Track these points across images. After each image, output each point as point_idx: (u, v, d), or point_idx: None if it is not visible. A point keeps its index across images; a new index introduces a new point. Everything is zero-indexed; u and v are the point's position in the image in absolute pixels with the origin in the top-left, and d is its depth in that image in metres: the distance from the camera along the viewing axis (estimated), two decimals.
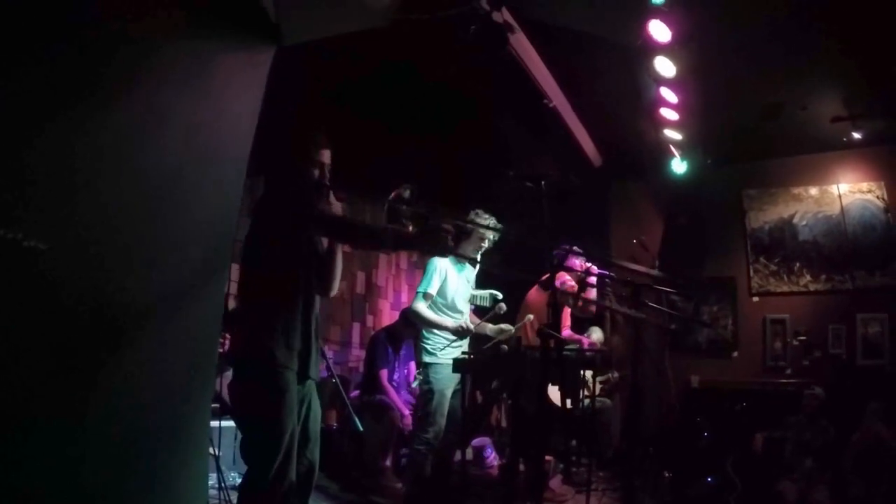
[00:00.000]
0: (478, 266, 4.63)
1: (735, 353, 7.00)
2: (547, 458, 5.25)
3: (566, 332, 5.30)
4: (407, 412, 5.54)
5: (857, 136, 6.24)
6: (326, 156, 2.86)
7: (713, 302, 7.16)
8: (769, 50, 4.91)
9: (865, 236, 6.63)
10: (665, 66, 4.97)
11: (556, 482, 5.19)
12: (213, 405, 4.12)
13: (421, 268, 7.96)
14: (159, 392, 2.71)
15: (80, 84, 2.39)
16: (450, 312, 4.45)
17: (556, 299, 4.52)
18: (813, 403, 5.28)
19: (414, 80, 4.94)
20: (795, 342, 6.70)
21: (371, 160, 4.79)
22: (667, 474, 5.45)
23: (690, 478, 5.27)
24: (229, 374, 4.33)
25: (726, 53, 4.93)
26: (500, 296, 4.65)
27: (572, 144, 6.34)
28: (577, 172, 6.43)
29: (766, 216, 7.05)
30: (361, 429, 3.77)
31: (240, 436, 2.86)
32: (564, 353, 4.33)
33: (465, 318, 4.51)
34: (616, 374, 6.14)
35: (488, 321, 4.49)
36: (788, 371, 6.67)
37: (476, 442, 5.86)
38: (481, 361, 4.08)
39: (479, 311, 4.76)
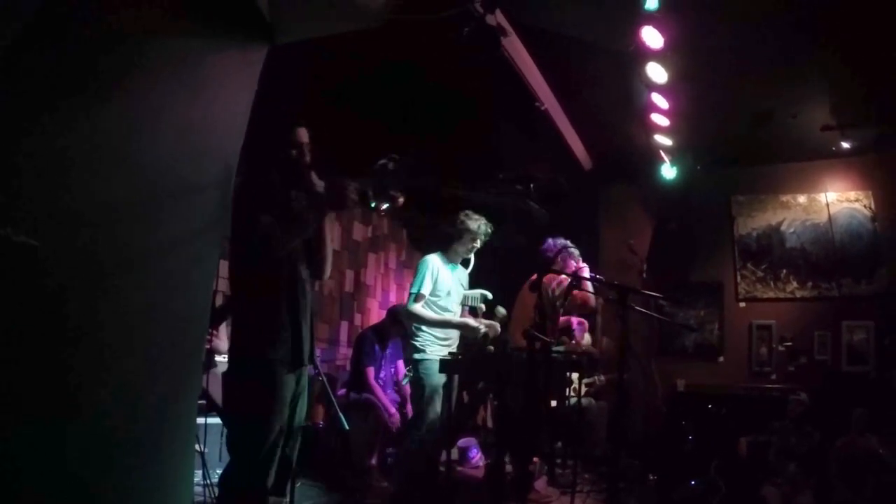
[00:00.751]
0: (471, 266, 4.63)
1: (721, 358, 7.08)
2: (533, 458, 5.27)
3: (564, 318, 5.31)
4: (393, 410, 5.55)
5: (845, 145, 6.32)
6: (303, 134, 2.83)
7: (700, 307, 7.23)
8: (760, 58, 4.96)
9: (852, 245, 6.72)
10: (657, 72, 5.00)
11: (541, 483, 5.20)
12: (200, 402, 4.13)
13: (410, 267, 8.00)
14: (146, 388, 2.70)
15: (72, 81, 2.38)
16: (441, 313, 4.44)
17: (544, 301, 4.57)
18: (798, 409, 5.32)
19: (410, 80, 4.94)
20: (781, 348, 6.77)
21: (367, 158, 4.78)
22: (652, 477, 5.47)
23: (675, 481, 5.30)
24: (215, 370, 4.37)
25: (718, 61, 4.98)
26: (490, 295, 4.66)
27: (563, 148, 6.37)
28: (567, 176, 6.47)
29: (754, 223, 7.12)
30: (347, 427, 3.76)
31: (226, 432, 2.86)
32: (552, 354, 4.39)
33: (457, 310, 4.51)
34: (603, 378, 6.17)
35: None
36: (774, 376, 6.75)
37: (462, 442, 5.88)
38: (468, 362, 4.09)
39: (472, 312, 4.76)
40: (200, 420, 4.09)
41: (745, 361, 6.94)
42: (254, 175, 2.91)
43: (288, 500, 3.14)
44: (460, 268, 4.61)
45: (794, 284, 6.88)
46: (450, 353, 4.12)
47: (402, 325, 5.70)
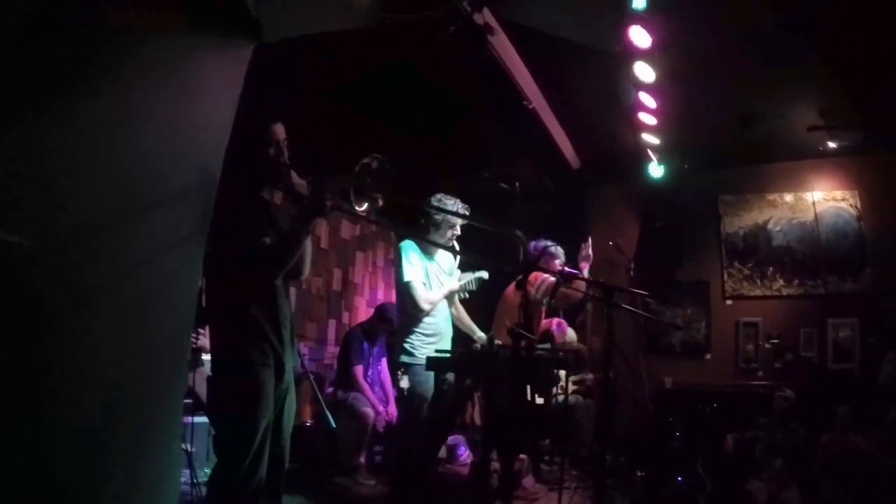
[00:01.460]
0: (457, 259, 4.44)
1: (708, 356, 7.12)
2: (520, 456, 5.29)
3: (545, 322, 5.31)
4: (381, 408, 5.55)
5: (832, 145, 6.37)
6: (280, 131, 2.75)
7: (687, 305, 7.26)
8: (748, 59, 4.99)
9: (838, 243, 6.77)
10: (644, 72, 5.02)
11: (528, 481, 5.22)
12: (187, 401, 4.12)
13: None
14: (131, 387, 2.69)
15: (57, 79, 2.37)
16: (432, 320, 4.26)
17: (529, 300, 4.57)
18: (783, 405, 5.36)
19: (399, 78, 4.94)
20: (767, 345, 6.82)
21: (353, 155, 4.76)
22: (639, 474, 5.50)
23: (662, 477, 5.33)
24: (203, 369, 4.36)
25: (706, 61, 5.01)
26: (486, 275, 4.39)
27: (551, 146, 6.38)
28: (555, 174, 6.49)
29: (741, 221, 7.17)
30: (334, 426, 3.76)
31: (213, 432, 2.85)
32: (538, 352, 4.39)
33: (445, 306, 4.37)
34: (591, 377, 6.20)
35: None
36: (760, 373, 6.79)
37: (450, 440, 5.88)
38: (454, 359, 4.08)
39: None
40: (187, 419, 4.08)
41: (731, 359, 6.98)
42: (233, 175, 2.87)
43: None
44: (442, 256, 4.38)
45: (781, 282, 6.93)
46: (437, 351, 4.08)
47: (389, 324, 5.69)
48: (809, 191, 6.93)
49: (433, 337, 4.22)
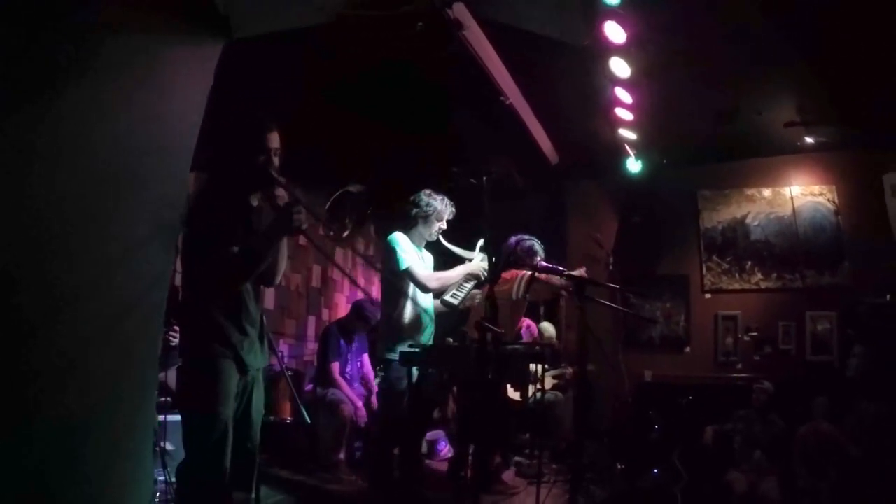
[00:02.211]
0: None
1: (687, 349, 7.16)
2: (497, 450, 5.31)
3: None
4: (360, 404, 5.55)
5: (809, 141, 6.43)
6: (274, 139, 2.74)
7: (666, 298, 7.29)
8: (725, 55, 5.00)
9: (816, 237, 6.83)
10: (620, 67, 5.03)
11: (509, 475, 5.25)
12: (165, 399, 4.12)
13: (378, 262, 7.99)
14: (103, 384, 2.69)
15: (24, 77, 2.37)
16: (417, 299, 4.24)
17: (512, 299, 4.59)
18: (762, 398, 5.41)
19: (375, 74, 4.93)
20: (746, 338, 6.87)
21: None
22: (619, 466, 5.54)
23: (641, 470, 5.37)
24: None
25: (682, 57, 5.00)
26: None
27: (529, 142, 6.39)
28: (534, 170, 6.51)
29: (719, 216, 7.21)
30: (309, 421, 3.77)
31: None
32: (514, 347, 4.40)
33: (430, 302, 4.37)
34: (570, 371, 6.23)
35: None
36: (739, 366, 6.84)
37: (430, 435, 5.90)
38: (429, 354, 4.08)
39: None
40: (164, 417, 4.08)
41: (711, 352, 7.03)
42: (218, 176, 2.84)
43: (254, 496, 3.15)
44: (426, 252, 4.45)
45: (759, 276, 6.98)
46: (410, 345, 4.08)
47: (366, 321, 5.71)
48: (787, 186, 6.98)
49: (415, 331, 4.24)
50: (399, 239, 4.20)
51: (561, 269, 4.32)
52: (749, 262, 7.02)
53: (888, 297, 5.61)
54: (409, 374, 3.98)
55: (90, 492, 2.62)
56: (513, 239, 4.96)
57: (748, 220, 7.09)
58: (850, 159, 6.69)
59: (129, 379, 2.86)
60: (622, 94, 5.46)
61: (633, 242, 7.28)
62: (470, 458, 4.48)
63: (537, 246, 4.93)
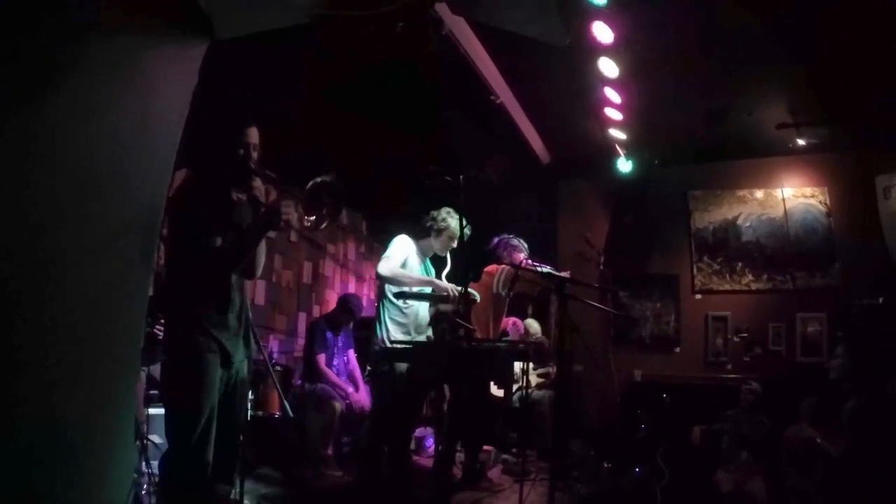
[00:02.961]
0: (447, 269, 4.47)
1: (677, 349, 7.17)
2: (486, 448, 5.34)
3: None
4: (350, 389, 5.59)
5: (801, 142, 6.44)
6: (253, 135, 2.79)
7: (657, 298, 7.30)
8: (715, 56, 5.01)
9: (807, 239, 6.84)
10: (608, 67, 5.05)
11: (495, 472, 5.28)
12: (153, 391, 4.15)
13: (369, 259, 8.04)
14: (84, 377, 2.72)
15: (8, 78, 2.40)
16: (407, 307, 4.29)
17: (493, 293, 4.62)
18: (749, 398, 5.41)
19: (364, 73, 4.94)
20: (736, 339, 6.87)
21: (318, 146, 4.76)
22: (606, 465, 5.57)
23: (627, 468, 5.40)
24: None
25: (671, 57, 5.02)
26: (478, 297, 4.40)
27: (520, 142, 6.41)
28: (525, 169, 6.53)
29: (710, 216, 7.22)
30: (292, 415, 3.80)
31: None
32: (496, 344, 4.43)
33: (425, 313, 4.42)
34: (555, 369, 6.25)
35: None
36: (729, 366, 6.85)
37: (418, 432, 5.93)
38: (411, 351, 4.12)
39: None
40: (153, 411, 4.12)
41: (701, 352, 7.03)
42: (199, 171, 2.88)
43: (238, 489, 3.19)
44: (429, 265, 4.52)
45: (750, 277, 6.99)
46: (392, 342, 4.11)
47: (351, 314, 5.74)
48: (779, 187, 6.99)
49: (405, 328, 4.28)
50: (396, 241, 4.29)
51: (540, 267, 4.35)
52: (740, 263, 7.03)
53: (881, 299, 5.61)
54: (392, 370, 4.01)
55: (68, 482, 2.65)
56: (496, 236, 4.99)
57: (739, 222, 7.10)
58: (842, 161, 6.69)
59: (109, 371, 2.89)
60: (611, 94, 5.48)
61: (624, 242, 7.29)
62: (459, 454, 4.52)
63: (517, 241, 4.96)
